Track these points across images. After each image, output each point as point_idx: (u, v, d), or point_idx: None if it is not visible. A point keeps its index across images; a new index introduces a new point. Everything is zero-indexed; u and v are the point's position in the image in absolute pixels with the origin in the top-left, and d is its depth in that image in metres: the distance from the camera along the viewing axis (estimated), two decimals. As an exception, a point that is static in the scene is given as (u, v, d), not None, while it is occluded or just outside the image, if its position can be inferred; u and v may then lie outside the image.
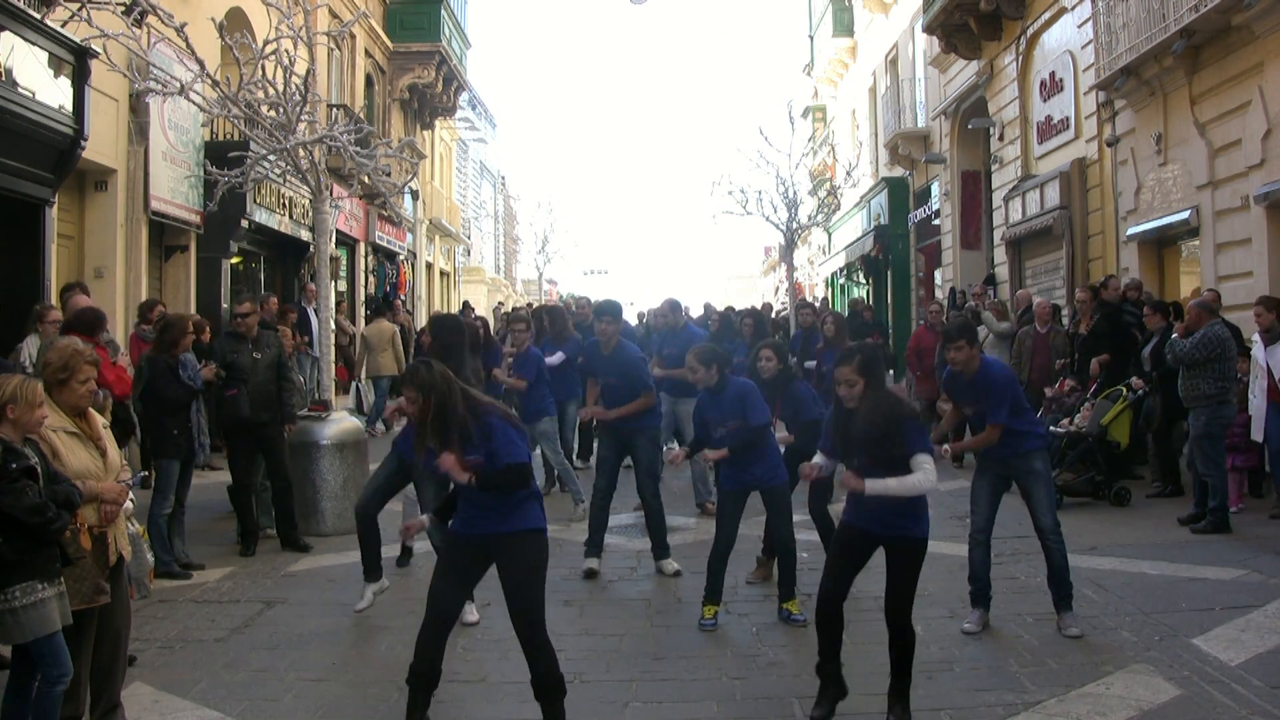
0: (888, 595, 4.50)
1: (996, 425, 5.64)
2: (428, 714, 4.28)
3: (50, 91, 9.37)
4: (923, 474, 4.34)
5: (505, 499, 4.18)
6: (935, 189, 21.10)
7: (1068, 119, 15.05)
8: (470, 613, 5.91)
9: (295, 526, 7.85)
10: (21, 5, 8.82)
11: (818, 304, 20.91)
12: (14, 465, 3.71)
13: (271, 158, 9.11)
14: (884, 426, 4.37)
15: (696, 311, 15.84)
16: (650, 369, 7.95)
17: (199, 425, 7.29)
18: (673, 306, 10.24)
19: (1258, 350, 8.09)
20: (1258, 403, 8.10)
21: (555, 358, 9.28)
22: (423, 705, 4.25)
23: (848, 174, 23.75)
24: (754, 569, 6.85)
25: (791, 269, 24.73)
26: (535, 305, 21.87)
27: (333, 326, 9.64)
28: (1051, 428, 9.62)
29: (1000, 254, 17.74)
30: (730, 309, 14.38)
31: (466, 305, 23.78)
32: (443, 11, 22.37)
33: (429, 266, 27.59)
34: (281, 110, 8.61)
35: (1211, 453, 8.09)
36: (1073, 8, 14.49)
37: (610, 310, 7.36)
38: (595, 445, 9.35)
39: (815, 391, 7.40)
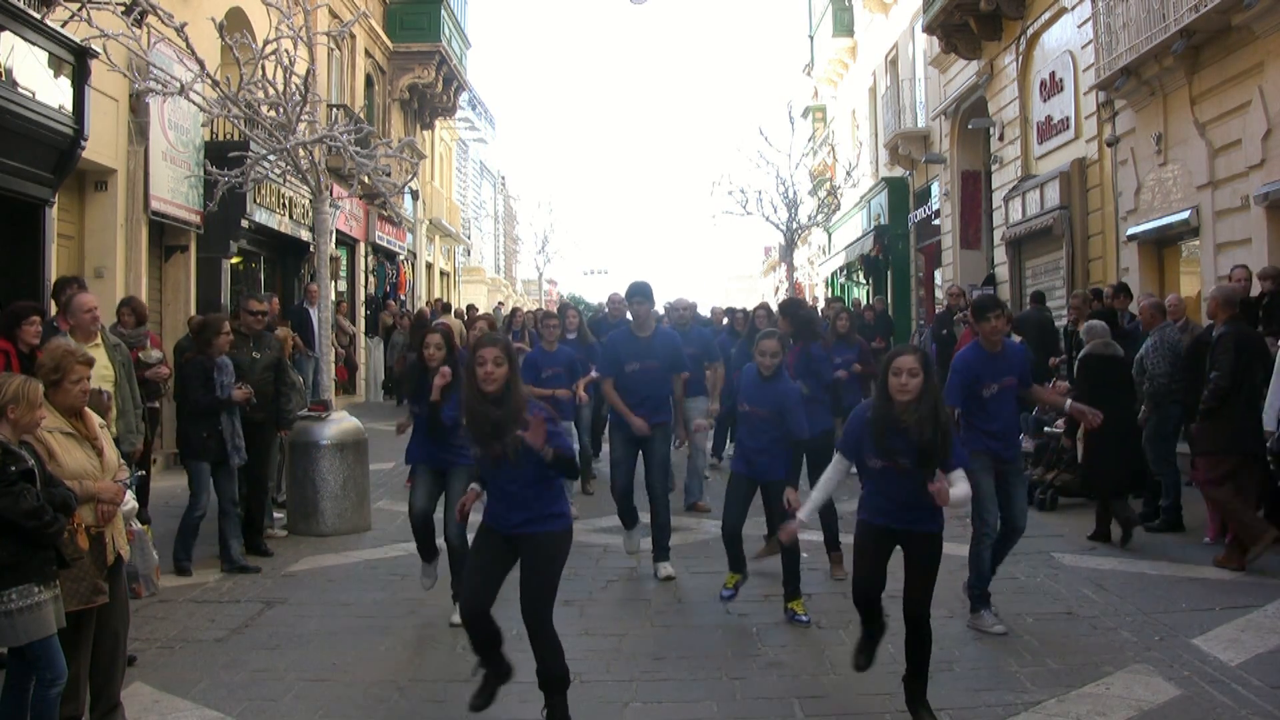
0: (907, 591, 4.47)
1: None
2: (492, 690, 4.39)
3: (50, 91, 9.36)
4: (965, 486, 4.37)
5: (538, 497, 4.28)
6: (935, 189, 21.10)
7: (1068, 119, 15.04)
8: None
9: (261, 532, 7.72)
10: (21, 5, 8.82)
11: (819, 304, 20.88)
12: (12, 468, 3.71)
13: (271, 158, 9.11)
14: (935, 433, 4.32)
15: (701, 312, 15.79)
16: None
17: (233, 428, 7.14)
18: (688, 306, 10.33)
19: None
20: None
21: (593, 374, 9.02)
22: (493, 661, 4.39)
23: (848, 174, 23.81)
24: (761, 547, 6.91)
25: (791, 269, 24.81)
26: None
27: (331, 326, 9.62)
28: (1046, 428, 9.63)
29: (1000, 254, 17.74)
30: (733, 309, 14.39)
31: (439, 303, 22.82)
32: (443, 11, 22.36)
33: (429, 266, 27.59)
34: (281, 110, 8.61)
35: (1163, 451, 8.07)
36: (1073, 8, 14.49)
37: (643, 292, 7.20)
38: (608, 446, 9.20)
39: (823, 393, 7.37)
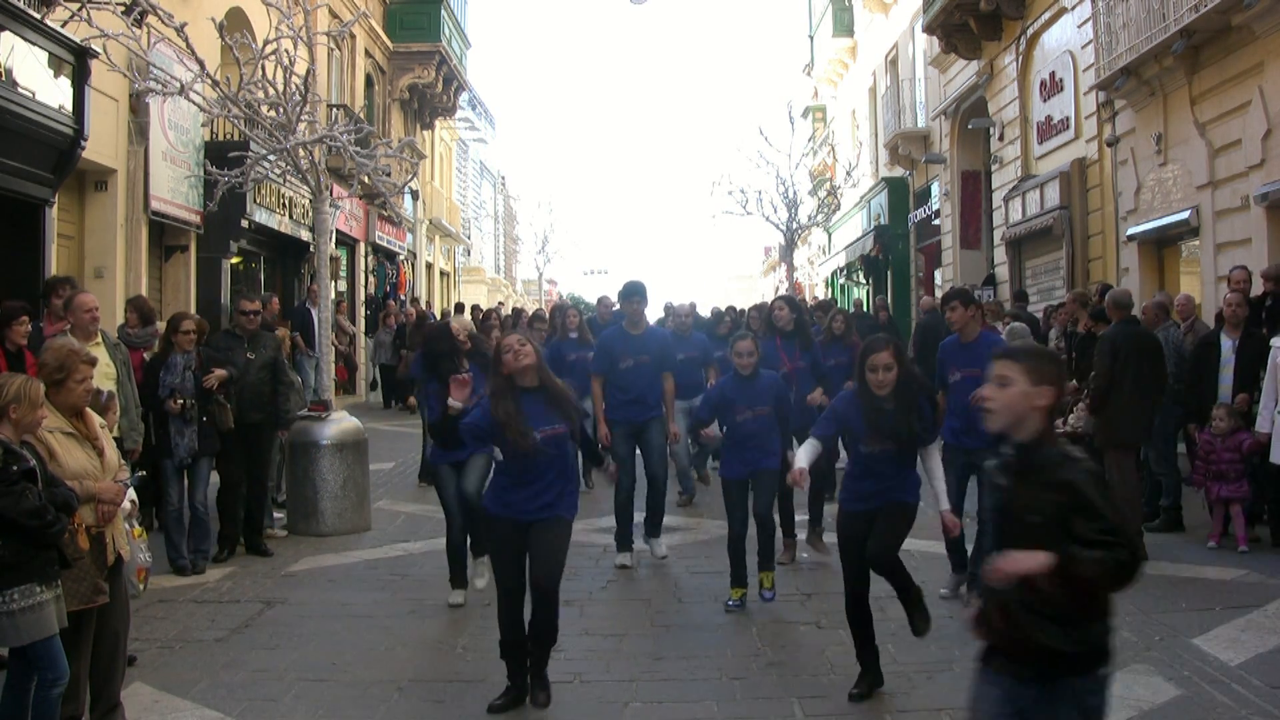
0: (871, 544, 4.63)
1: None
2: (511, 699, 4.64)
3: (50, 91, 9.37)
4: (937, 460, 4.76)
5: (560, 487, 4.65)
6: (935, 189, 21.10)
7: (1068, 119, 15.05)
8: (481, 577, 6.25)
9: (261, 532, 7.71)
10: (21, 5, 8.83)
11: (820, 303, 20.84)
12: (14, 468, 3.71)
13: (271, 158, 9.11)
14: (915, 423, 4.63)
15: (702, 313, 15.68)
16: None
17: (179, 426, 6.97)
18: (688, 311, 10.22)
19: None
20: None
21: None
22: (520, 672, 4.66)
23: (848, 174, 23.82)
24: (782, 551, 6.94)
25: (791, 269, 24.83)
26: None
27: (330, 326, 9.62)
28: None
29: (1000, 254, 17.74)
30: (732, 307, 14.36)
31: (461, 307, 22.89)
32: (443, 11, 22.38)
33: (429, 266, 27.60)
34: (281, 110, 8.60)
35: (1164, 451, 8.08)
36: (1073, 8, 14.49)
37: (639, 291, 7.34)
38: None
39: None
